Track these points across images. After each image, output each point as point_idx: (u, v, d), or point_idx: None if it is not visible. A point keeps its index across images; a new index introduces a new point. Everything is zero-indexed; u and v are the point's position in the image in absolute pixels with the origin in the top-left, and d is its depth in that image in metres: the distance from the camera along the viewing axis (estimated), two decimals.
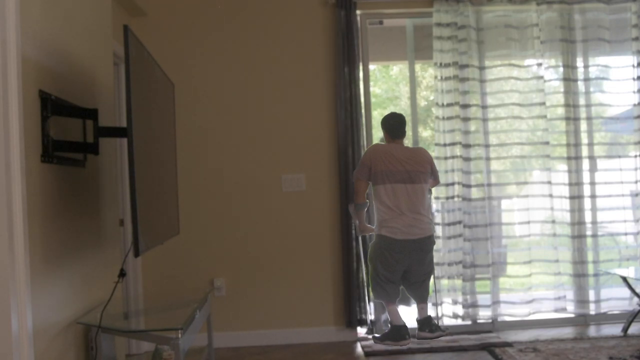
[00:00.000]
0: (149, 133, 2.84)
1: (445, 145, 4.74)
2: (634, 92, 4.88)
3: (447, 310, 4.74)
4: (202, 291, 3.52)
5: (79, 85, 2.84)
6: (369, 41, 4.83)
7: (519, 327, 4.74)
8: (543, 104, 4.80)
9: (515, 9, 4.81)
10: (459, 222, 4.72)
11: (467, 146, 4.73)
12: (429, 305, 4.43)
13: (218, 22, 4.71)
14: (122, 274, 2.65)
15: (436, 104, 4.83)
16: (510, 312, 4.78)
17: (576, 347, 4.14)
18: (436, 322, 4.39)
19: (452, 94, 4.75)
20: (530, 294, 4.80)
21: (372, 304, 4.60)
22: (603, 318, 4.82)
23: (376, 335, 4.43)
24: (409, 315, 4.50)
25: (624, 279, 4.51)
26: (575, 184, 4.83)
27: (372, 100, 10.96)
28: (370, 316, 4.62)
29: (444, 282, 4.75)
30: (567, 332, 4.63)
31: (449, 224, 4.73)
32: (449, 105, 4.75)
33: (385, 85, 11.39)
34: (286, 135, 4.71)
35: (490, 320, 4.74)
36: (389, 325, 4.33)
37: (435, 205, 4.74)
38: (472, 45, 4.75)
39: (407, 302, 4.62)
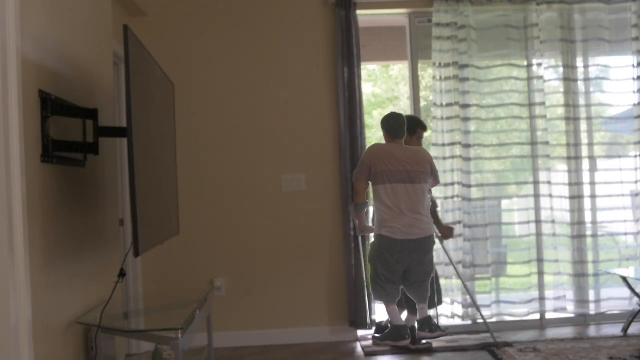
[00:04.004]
0: (149, 133, 2.84)
1: (444, 145, 4.74)
2: (634, 92, 4.88)
3: (447, 310, 4.74)
4: (202, 291, 3.52)
5: (79, 85, 2.84)
6: (370, 42, 4.83)
7: (519, 327, 4.74)
8: (543, 104, 4.80)
9: (515, 9, 4.81)
10: (459, 222, 4.72)
11: (467, 146, 4.73)
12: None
13: (218, 22, 4.71)
14: (122, 274, 2.65)
15: (434, 104, 4.82)
16: (510, 312, 4.78)
17: (576, 347, 4.14)
18: (436, 321, 4.39)
19: (452, 94, 4.75)
20: (530, 294, 4.81)
21: (372, 304, 4.60)
22: (603, 318, 4.82)
23: (376, 335, 4.43)
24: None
25: (624, 279, 4.51)
26: (575, 184, 4.83)
27: (372, 100, 11.03)
28: (372, 316, 4.63)
29: (443, 282, 4.75)
30: (567, 332, 4.63)
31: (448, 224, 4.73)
32: (448, 105, 4.75)
33: (385, 85, 11.39)
34: (286, 135, 4.72)
35: (490, 320, 4.74)
36: (389, 325, 4.33)
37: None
38: (472, 45, 4.75)
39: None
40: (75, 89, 2.77)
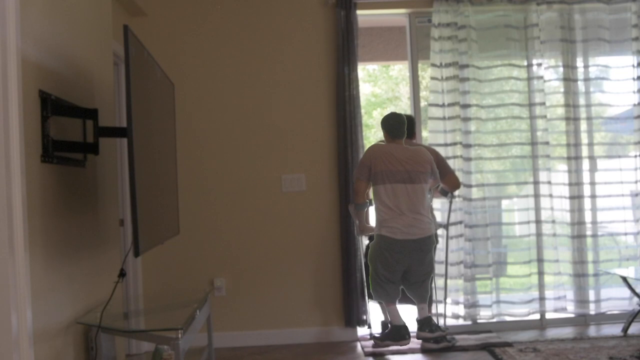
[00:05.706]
0: (149, 133, 2.84)
1: (445, 145, 4.74)
2: (634, 92, 4.88)
3: (447, 310, 4.74)
4: (202, 291, 3.52)
5: (79, 85, 2.84)
6: (370, 42, 4.83)
7: (519, 327, 4.74)
8: (543, 104, 4.80)
9: (515, 9, 4.81)
10: (460, 222, 4.72)
11: (467, 146, 4.73)
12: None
13: (218, 22, 4.71)
14: (122, 274, 2.65)
15: (435, 104, 4.81)
16: (510, 312, 4.78)
17: (576, 347, 4.14)
18: (436, 322, 4.38)
19: (452, 94, 4.75)
20: (530, 294, 4.81)
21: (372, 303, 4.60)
22: (603, 318, 4.82)
23: (376, 335, 4.43)
24: (409, 315, 4.50)
25: (624, 279, 4.51)
26: (575, 184, 4.83)
27: (372, 100, 11.04)
28: (370, 316, 4.63)
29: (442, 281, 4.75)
30: (567, 332, 4.63)
31: (449, 224, 4.73)
32: (448, 105, 4.75)
33: (385, 85, 11.40)
34: (286, 135, 4.72)
35: (490, 320, 4.74)
36: (389, 325, 4.33)
37: (436, 205, 4.73)
38: (472, 45, 4.75)
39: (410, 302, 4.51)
40: (75, 89, 2.77)
